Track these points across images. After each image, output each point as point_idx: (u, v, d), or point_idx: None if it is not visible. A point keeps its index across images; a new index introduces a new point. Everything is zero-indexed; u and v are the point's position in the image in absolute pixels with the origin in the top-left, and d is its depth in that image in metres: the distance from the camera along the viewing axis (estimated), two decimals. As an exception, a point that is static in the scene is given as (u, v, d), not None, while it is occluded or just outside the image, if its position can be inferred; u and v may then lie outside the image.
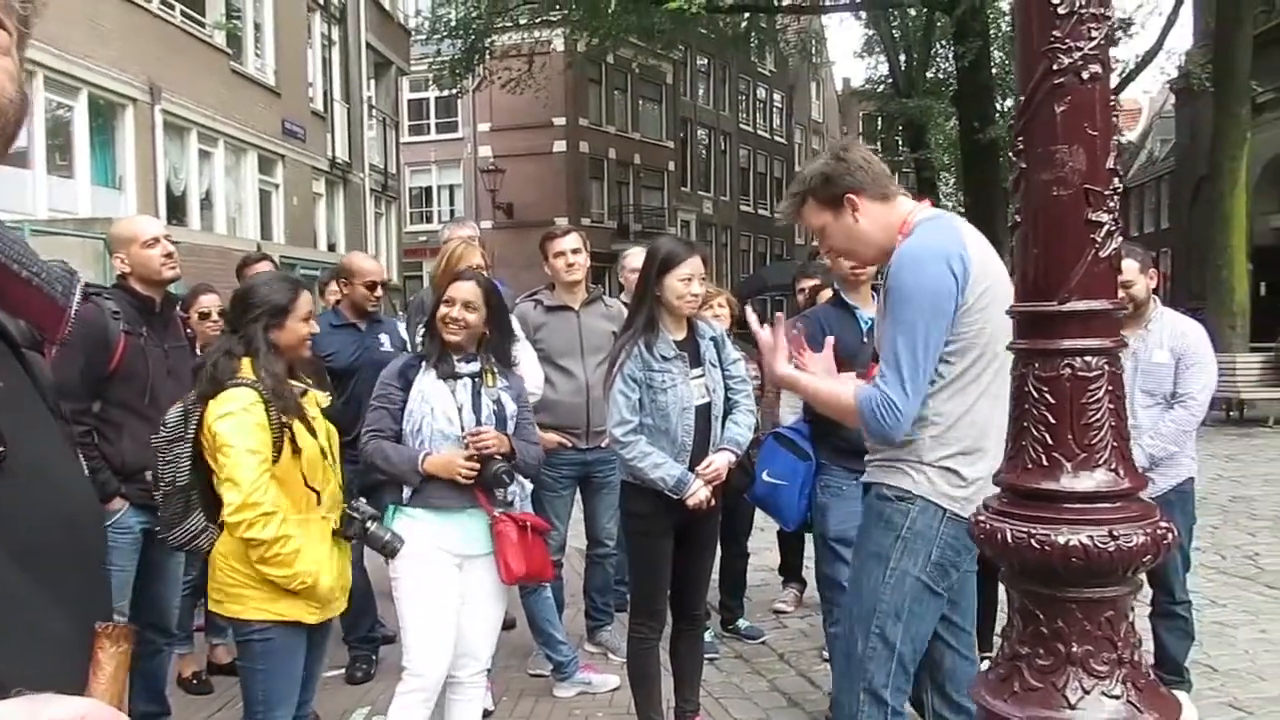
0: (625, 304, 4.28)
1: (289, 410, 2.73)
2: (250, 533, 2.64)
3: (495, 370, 3.17)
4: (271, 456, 2.67)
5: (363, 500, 2.94)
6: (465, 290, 3.11)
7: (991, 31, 18.85)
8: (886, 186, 2.40)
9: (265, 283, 2.96)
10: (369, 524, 2.87)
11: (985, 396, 2.26)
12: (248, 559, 2.70)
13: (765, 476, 3.67)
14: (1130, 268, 3.50)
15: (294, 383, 2.84)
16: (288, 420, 2.71)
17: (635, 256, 4.38)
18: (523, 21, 22.64)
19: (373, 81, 22.27)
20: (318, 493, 2.77)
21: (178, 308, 3.87)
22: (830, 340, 2.61)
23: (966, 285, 2.22)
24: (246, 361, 2.75)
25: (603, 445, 4.29)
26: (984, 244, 2.33)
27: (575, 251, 4.35)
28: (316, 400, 2.92)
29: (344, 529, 2.83)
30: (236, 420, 2.66)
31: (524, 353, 4.10)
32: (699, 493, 3.31)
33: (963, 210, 21.51)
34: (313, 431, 2.80)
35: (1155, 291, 3.80)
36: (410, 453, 3.02)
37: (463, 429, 3.04)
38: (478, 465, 3.00)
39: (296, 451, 2.71)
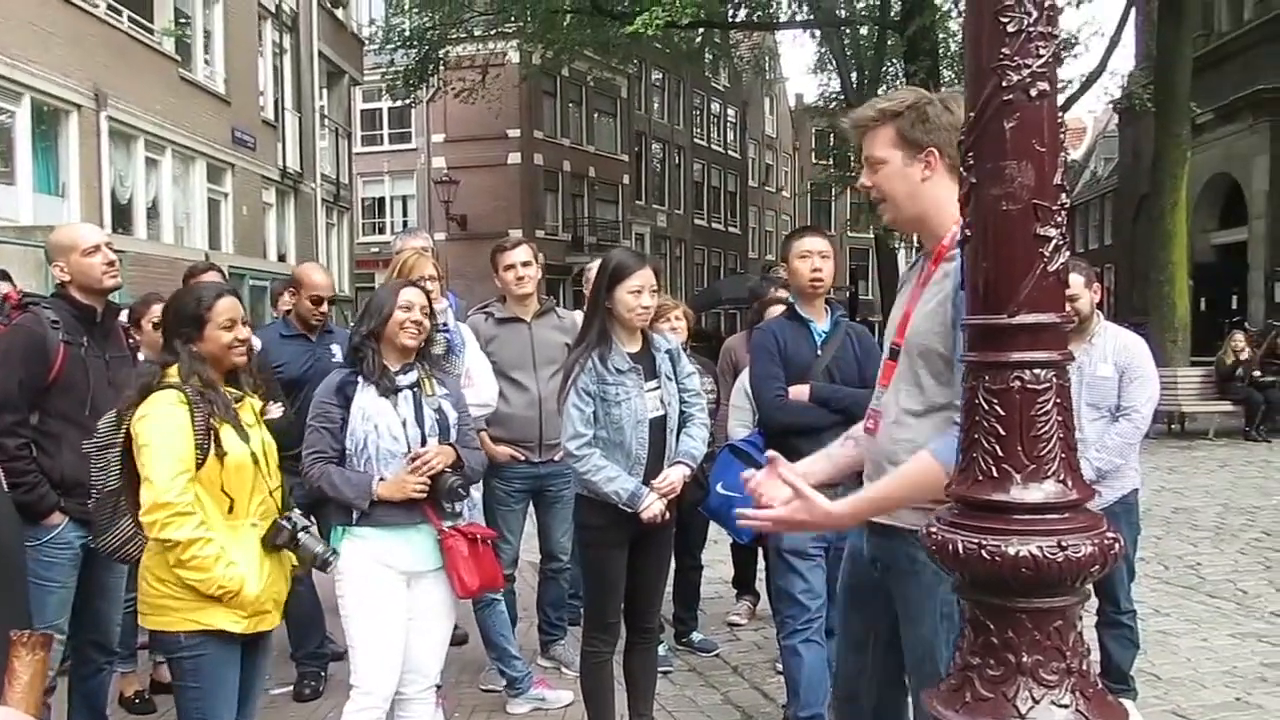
0: None
1: (217, 414, 2.69)
2: (164, 533, 2.58)
3: (432, 378, 3.15)
4: (195, 459, 2.63)
5: (297, 511, 2.88)
6: (417, 295, 3.12)
7: (940, 50, 19.18)
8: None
9: (182, 294, 2.90)
10: (300, 535, 2.80)
11: None
12: (169, 566, 2.64)
13: (719, 489, 3.67)
14: (1076, 282, 3.56)
15: (231, 390, 2.80)
16: (215, 424, 2.67)
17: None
18: (477, 33, 22.62)
19: (325, 91, 22.05)
20: (232, 499, 2.70)
21: (124, 318, 3.79)
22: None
23: None
24: (174, 369, 2.72)
25: (555, 459, 4.26)
26: None
27: (525, 264, 4.33)
28: (253, 408, 2.87)
29: (272, 537, 2.76)
30: (156, 420, 2.63)
31: (478, 365, 4.07)
32: (653, 506, 3.31)
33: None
34: (246, 438, 2.75)
35: (1099, 306, 3.88)
36: (360, 480, 2.98)
37: (408, 444, 3.01)
38: (429, 482, 2.98)
39: (221, 456, 2.67)
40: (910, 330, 2.15)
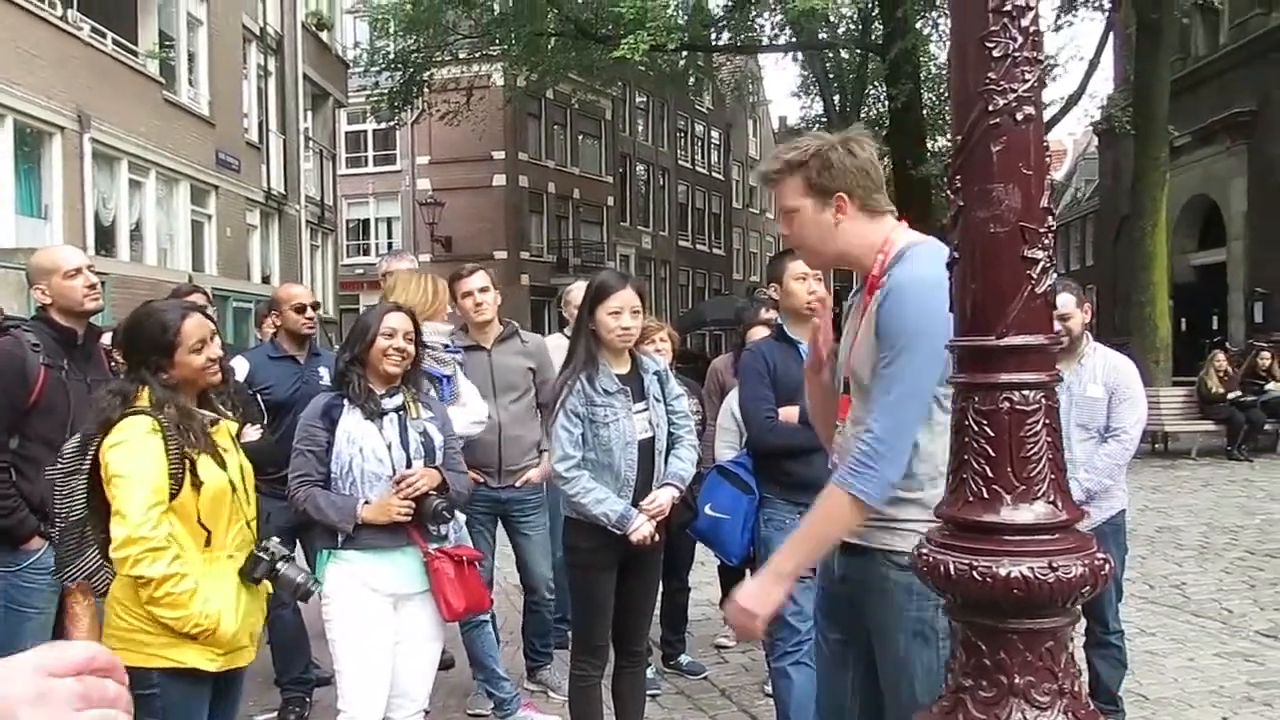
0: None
1: (193, 443, 2.57)
2: (136, 569, 2.44)
3: (418, 401, 3.13)
4: (169, 489, 2.50)
5: (275, 540, 2.76)
6: (402, 320, 3.09)
7: (922, 74, 19.37)
8: (879, 203, 2.18)
9: (143, 319, 2.72)
10: (279, 565, 2.68)
11: None
12: (142, 602, 2.50)
13: (708, 510, 3.67)
14: (1067, 302, 3.58)
15: (205, 412, 2.69)
16: (190, 453, 2.55)
17: (578, 291, 4.37)
18: (461, 55, 22.69)
19: (309, 113, 22.06)
20: (209, 531, 2.58)
21: (107, 340, 3.76)
22: None
23: None
24: (146, 390, 2.59)
25: (516, 485, 4.26)
26: None
27: (483, 290, 4.30)
28: (228, 431, 2.76)
29: (250, 570, 2.64)
30: (128, 449, 2.49)
31: (467, 386, 4.06)
32: (642, 528, 3.30)
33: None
34: (223, 465, 2.64)
35: (1086, 327, 3.90)
36: (345, 503, 2.96)
37: (393, 467, 2.99)
38: (413, 505, 2.96)
39: (197, 486, 2.54)
40: (854, 363, 2.18)
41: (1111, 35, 18.25)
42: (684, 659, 4.96)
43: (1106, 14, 17.83)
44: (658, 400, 3.43)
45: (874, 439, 1.99)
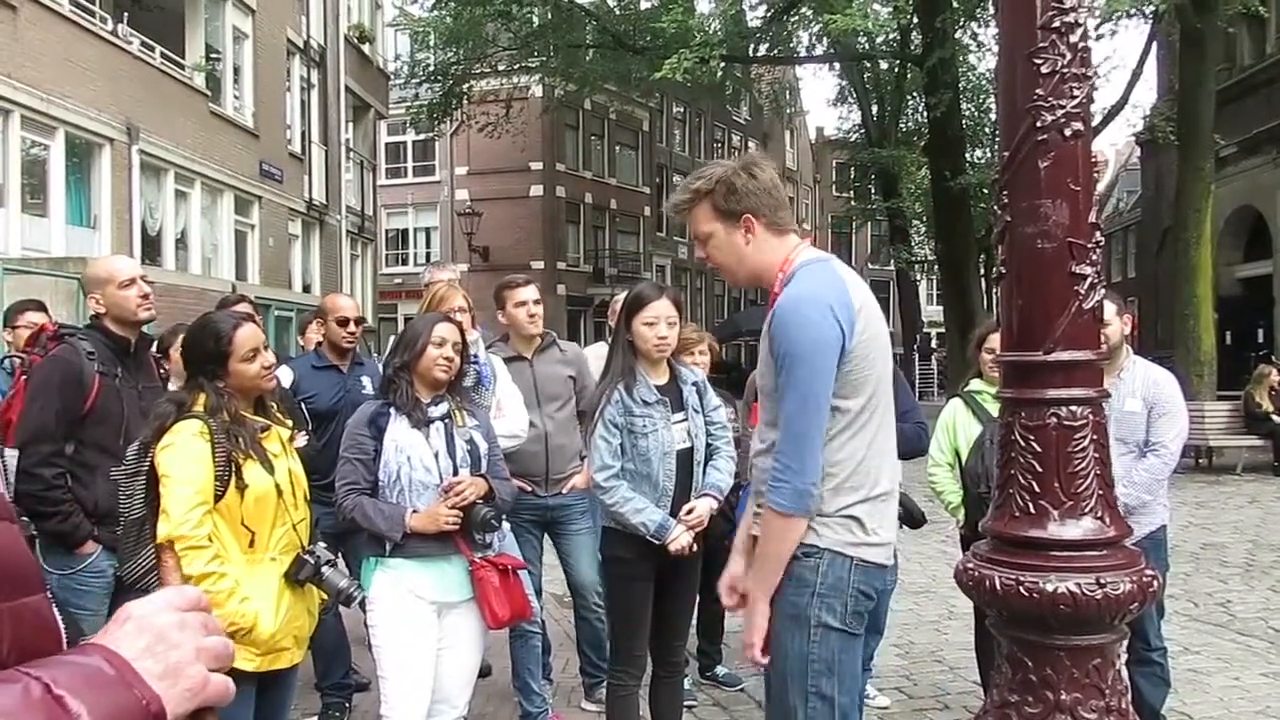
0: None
1: (241, 447, 2.67)
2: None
3: (463, 410, 3.17)
4: (213, 491, 2.61)
5: (321, 545, 2.84)
6: (451, 330, 3.14)
7: (960, 84, 19.25)
8: (784, 220, 2.33)
9: (199, 330, 2.84)
10: (324, 569, 2.75)
11: (873, 446, 2.20)
12: None
13: (748, 521, 3.67)
14: (1107, 309, 3.54)
15: (257, 419, 2.78)
16: (237, 457, 2.65)
17: (621, 301, 4.39)
18: (501, 67, 22.90)
19: (351, 124, 22.36)
20: (253, 533, 2.67)
21: (154, 348, 3.84)
22: None
23: (852, 332, 2.14)
24: (203, 396, 2.70)
25: (563, 492, 4.28)
26: (865, 290, 2.26)
27: (536, 302, 4.32)
28: (280, 437, 2.84)
29: (295, 572, 2.72)
30: (176, 451, 2.62)
31: (509, 396, 4.09)
32: (681, 538, 3.31)
33: (935, 257, 21.84)
34: (270, 470, 2.72)
35: (1127, 339, 3.86)
36: (393, 511, 2.99)
37: (440, 476, 3.03)
38: (461, 514, 3.00)
39: (242, 489, 2.63)
40: (758, 375, 2.35)
41: (1154, 44, 18.03)
42: (720, 670, 4.95)
43: (1149, 22, 17.62)
44: (696, 411, 3.45)
45: (780, 454, 2.14)
